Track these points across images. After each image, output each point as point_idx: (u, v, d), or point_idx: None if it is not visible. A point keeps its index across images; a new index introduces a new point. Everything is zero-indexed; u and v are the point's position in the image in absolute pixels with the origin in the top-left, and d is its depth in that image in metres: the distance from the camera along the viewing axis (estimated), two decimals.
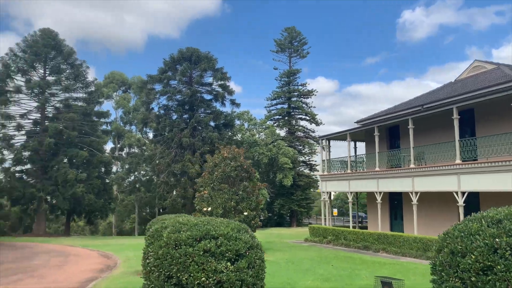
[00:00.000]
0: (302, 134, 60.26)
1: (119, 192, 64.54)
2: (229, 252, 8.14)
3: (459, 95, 21.25)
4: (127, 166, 62.95)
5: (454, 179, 18.70)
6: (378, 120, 24.56)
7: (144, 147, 64.26)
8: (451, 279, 5.49)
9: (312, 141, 59.82)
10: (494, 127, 19.88)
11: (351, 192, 25.60)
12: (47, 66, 42.05)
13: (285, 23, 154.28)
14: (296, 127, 60.06)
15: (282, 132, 60.09)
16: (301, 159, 59.74)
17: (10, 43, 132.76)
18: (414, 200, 20.77)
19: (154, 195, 60.93)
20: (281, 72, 60.13)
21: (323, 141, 28.27)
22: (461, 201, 18.47)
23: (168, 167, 50.48)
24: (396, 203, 25.83)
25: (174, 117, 54.30)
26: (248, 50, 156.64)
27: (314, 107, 60.29)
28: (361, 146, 31.43)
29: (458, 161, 18.79)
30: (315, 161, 61.53)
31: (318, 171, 61.36)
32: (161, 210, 65.07)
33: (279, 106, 60.55)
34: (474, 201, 20.32)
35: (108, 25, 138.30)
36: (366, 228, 28.90)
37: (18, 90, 39.81)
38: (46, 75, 42.08)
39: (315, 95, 60.23)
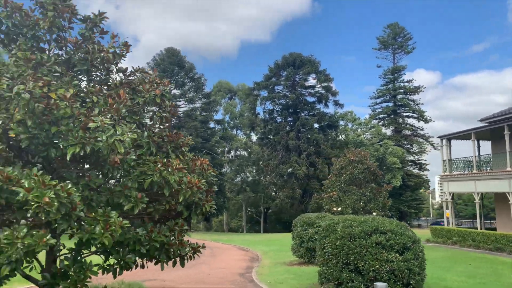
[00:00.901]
0: (409, 133, 58.51)
1: (229, 192, 69.35)
2: (397, 245, 9.57)
3: None
4: (233, 168, 67.34)
5: None
6: (508, 118, 23.59)
7: (249, 150, 68.33)
8: None
9: (421, 140, 57.80)
10: None
11: (477, 193, 24.94)
12: (171, 81, 47.77)
13: (376, 18, 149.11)
14: (403, 125, 58.52)
15: (388, 131, 59.02)
16: (409, 158, 58.03)
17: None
18: None
19: (259, 195, 64.27)
20: (385, 70, 59.13)
21: (443, 140, 27.87)
22: None
23: (276, 168, 53.24)
24: None
25: (279, 120, 57.01)
26: (340, 47, 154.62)
27: (422, 103, 58.24)
28: (484, 145, 30.08)
29: None
30: (425, 160, 59.28)
31: (428, 170, 59.04)
32: (264, 210, 68.41)
33: (384, 105, 59.58)
34: None
35: (203, 35, 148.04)
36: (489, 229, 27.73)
37: None
38: (171, 89, 47.84)
39: (423, 91, 58.17)
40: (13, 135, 4.74)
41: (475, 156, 25.71)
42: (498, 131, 24.24)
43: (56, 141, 4.83)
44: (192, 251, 6.72)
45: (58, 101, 4.81)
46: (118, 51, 6.30)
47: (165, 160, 5.68)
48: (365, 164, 20.54)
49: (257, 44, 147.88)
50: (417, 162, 59.15)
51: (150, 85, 6.04)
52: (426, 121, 57.76)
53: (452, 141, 29.72)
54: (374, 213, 20.01)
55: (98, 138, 4.76)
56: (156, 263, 6.53)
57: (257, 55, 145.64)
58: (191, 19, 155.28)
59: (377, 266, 9.33)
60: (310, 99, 56.01)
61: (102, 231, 4.93)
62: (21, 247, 4.12)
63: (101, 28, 5.89)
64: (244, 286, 11.97)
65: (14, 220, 5.05)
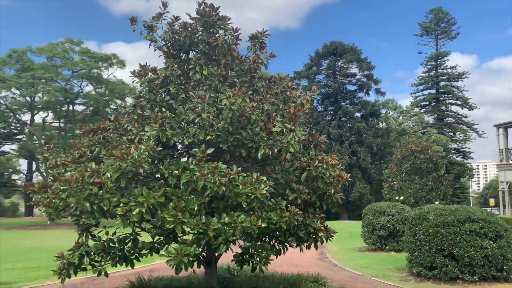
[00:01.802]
0: (453, 120, 57.56)
1: None
2: (491, 233, 10.19)
3: None
4: None
5: None
6: None
7: None
8: None
9: (465, 127, 56.76)
10: None
11: None
12: None
13: (409, 2, 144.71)
14: (446, 112, 57.58)
15: (430, 119, 58.23)
16: (452, 146, 57.17)
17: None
18: None
19: None
20: (427, 56, 58.12)
21: (500, 129, 27.69)
22: None
23: None
24: None
25: (319, 109, 57.21)
26: (370, 32, 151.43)
27: (466, 90, 56.99)
28: None
29: None
30: (469, 148, 58.26)
31: (472, 158, 58.02)
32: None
33: (425, 92, 58.77)
34: None
35: (234, 23, 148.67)
36: None
37: None
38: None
39: (467, 77, 56.90)
40: (212, 138, 5.76)
41: None
42: None
43: (246, 143, 5.79)
44: (326, 236, 7.61)
45: (242, 109, 5.77)
46: (265, 62, 7.22)
47: (321, 157, 6.57)
48: (427, 154, 20.94)
49: (285, 31, 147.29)
50: (460, 150, 58.22)
51: (299, 92, 6.93)
52: (471, 108, 56.59)
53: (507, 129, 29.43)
54: (437, 202, 20.45)
55: (283, 140, 5.70)
56: (296, 246, 7.50)
57: (286, 42, 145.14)
58: (222, 8, 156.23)
59: (472, 252, 9.99)
60: (351, 87, 55.92)
61: (278, 217, 5.89)
62: (240, 229, 5.13)
63: (264, 44, 6.82)
64: (332, 269, 12.91)
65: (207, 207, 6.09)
